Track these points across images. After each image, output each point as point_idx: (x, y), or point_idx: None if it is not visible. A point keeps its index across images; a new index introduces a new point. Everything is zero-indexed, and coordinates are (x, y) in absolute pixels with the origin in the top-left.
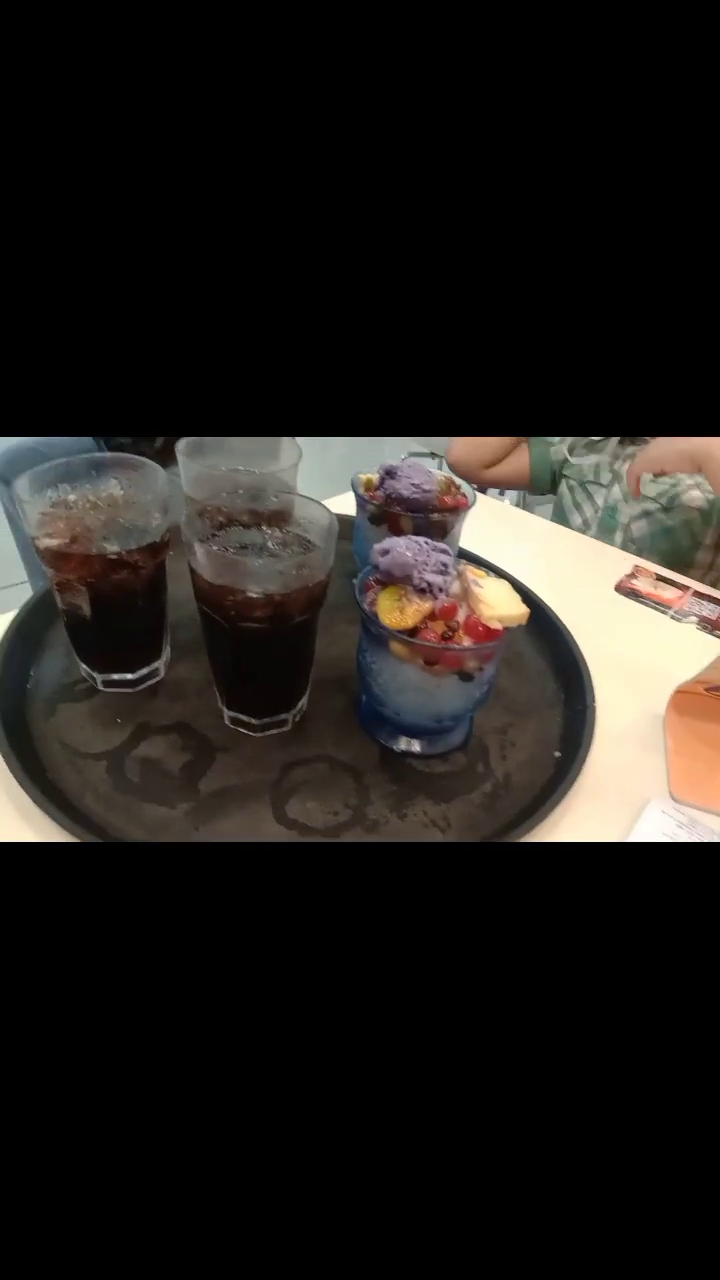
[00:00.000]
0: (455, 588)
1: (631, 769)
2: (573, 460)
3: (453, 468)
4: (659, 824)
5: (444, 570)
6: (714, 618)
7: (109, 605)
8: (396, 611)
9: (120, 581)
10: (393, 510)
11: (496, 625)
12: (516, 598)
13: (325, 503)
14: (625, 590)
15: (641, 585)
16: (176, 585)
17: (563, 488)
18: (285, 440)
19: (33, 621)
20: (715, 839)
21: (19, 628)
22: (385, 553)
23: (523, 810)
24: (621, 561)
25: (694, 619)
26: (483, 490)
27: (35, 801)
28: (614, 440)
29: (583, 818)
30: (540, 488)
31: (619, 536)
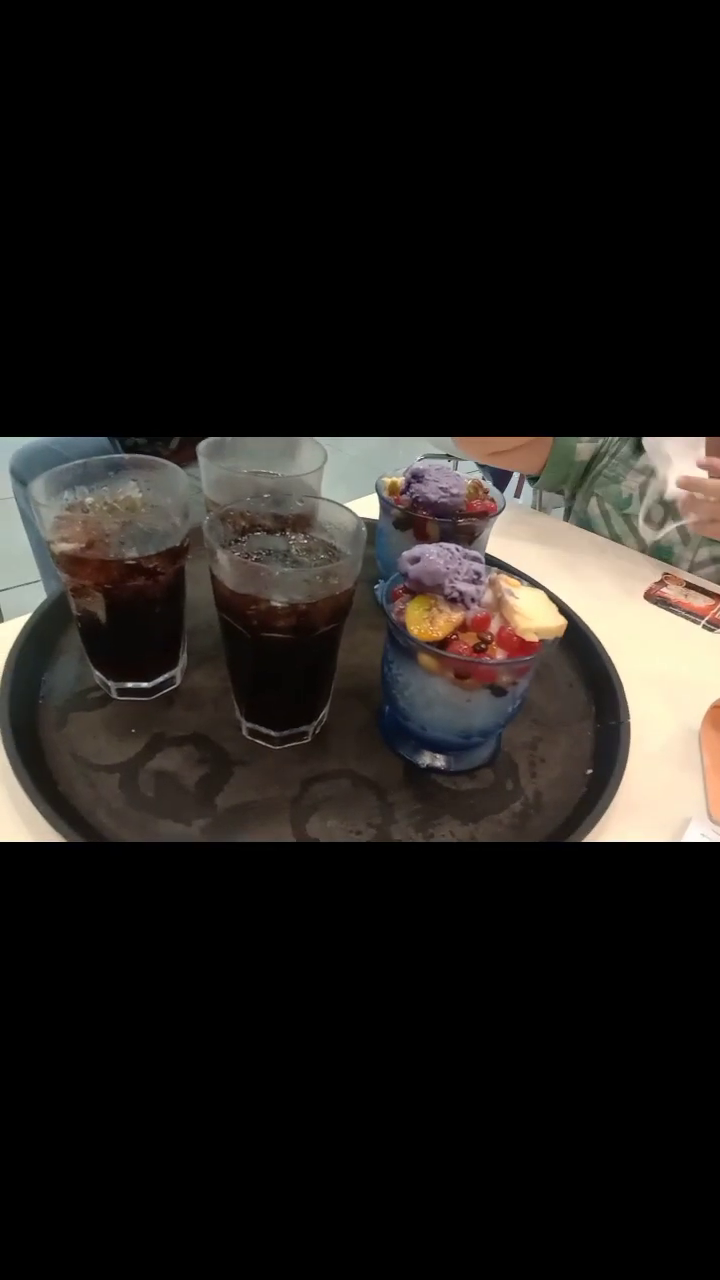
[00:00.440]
0: (488, 598)
1: (668, 788)
2: (606, 479)
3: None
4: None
5: (476, 579)
6: None
7: (125, 611)
8: (426, 622)
9: (138, 588)
10: (419, 515)
11: (532, 638)
12: (553, 609)
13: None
14: (655, 598)
15: (672, 593)
16: (193, 589)
17: (593, 508)
18: (306, 442)
19: (46, 626)
20: None
21: (31, 632)
22: (415, 560)
23: (555, 831)
24: (650, 568)
25: None
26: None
27: (44, 815)
28: (637, 458)
29: (618, 839)
30: (550, 484)
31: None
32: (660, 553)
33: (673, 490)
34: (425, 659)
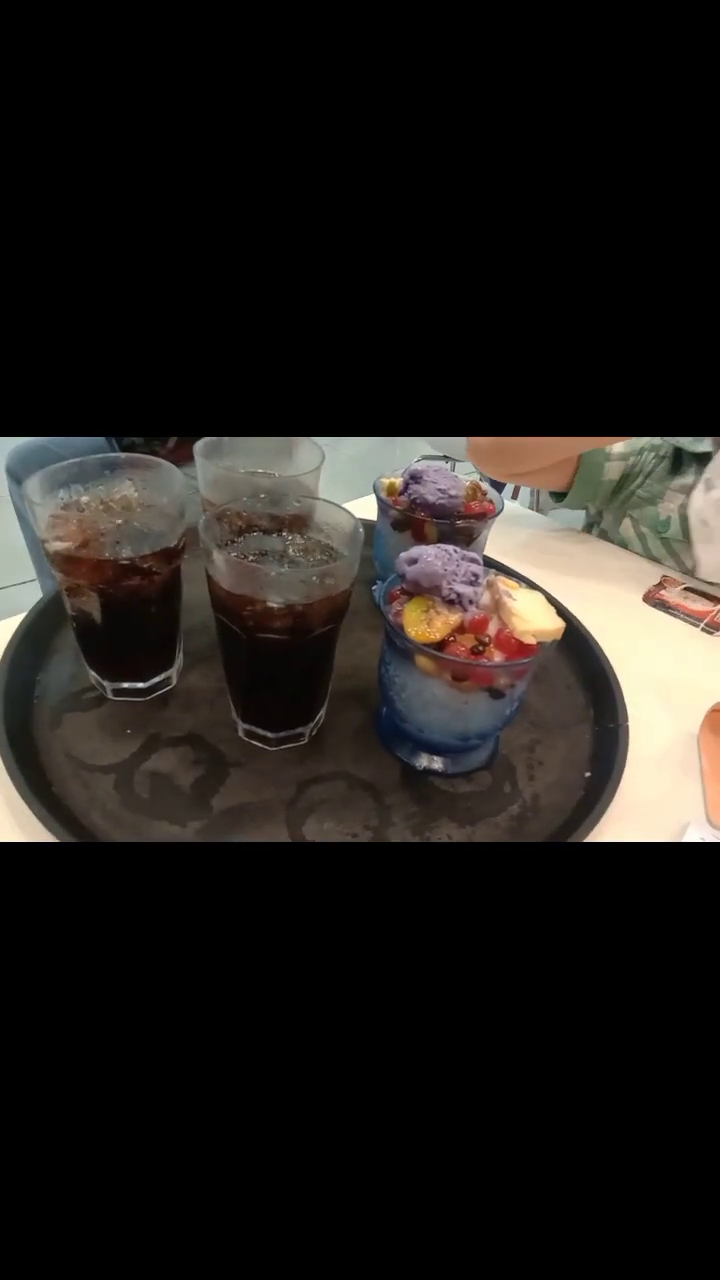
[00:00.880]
0: (486, 599)
1: (666, 791)
2: (640, 500)
3: (471, 462)
4: None
5: (474, 581)
6: None
7: (120, 611)
8: (423, 624)
9: (133, 587)
10: (417, 516)
11: (531, 640)
12: (551, 611)
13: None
14: (654, 601)
15: (671, 596)
16: (189, 589)
17: (627, 529)
18: (304, 441)
19: (40, 626)
20: None
21: (26, 632)
22: (413, 561)
23: (552, 834)
24: (649, 570)
25: None
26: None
27: (38, 816)
28: (673, 477)
29: (612, 833)
30: (577, 503)
31: None
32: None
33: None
34: (422, 661)
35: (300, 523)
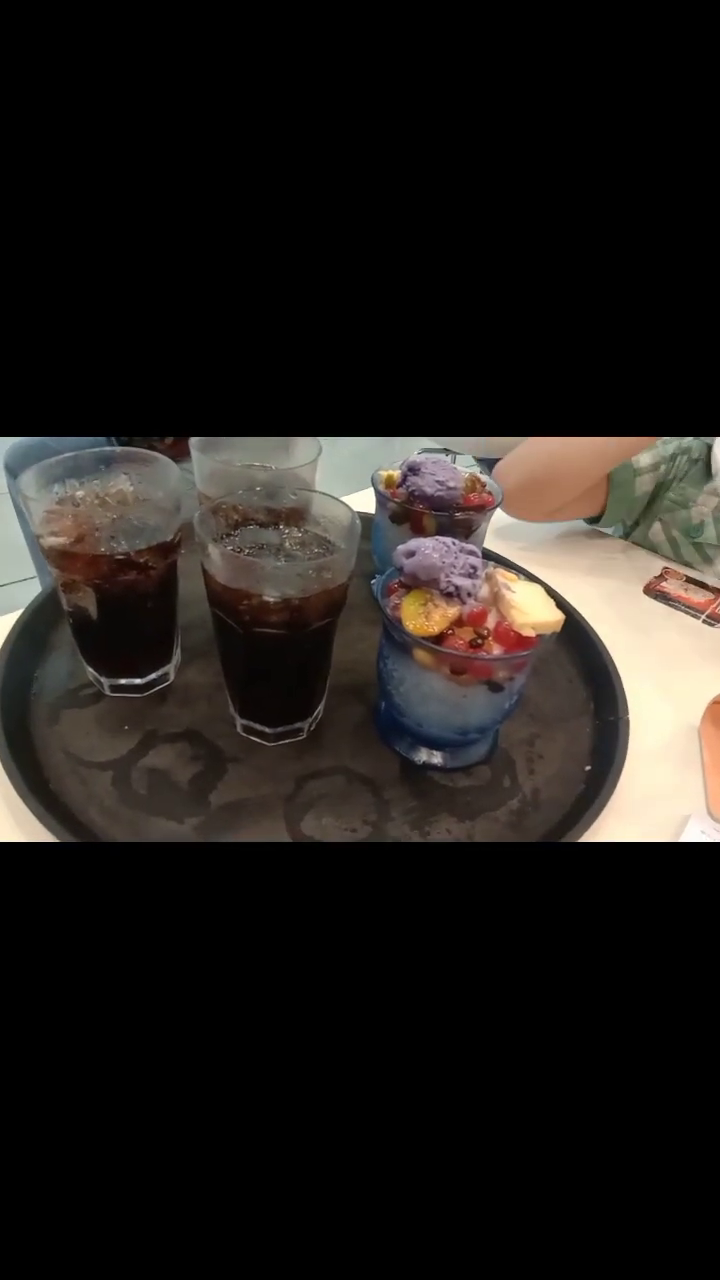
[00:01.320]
0: (484, 592)
1: (667, 784)
2: (673, 504)
3: (508, 511)
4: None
5: (473, 573)
6: None
7: (117, 607)
8: (421, 617)
9: (129, 582)
10: (416, 509)
11: (530, 633)
12: (550, 603)
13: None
14: (655, 593)
15: (671, 588)
16: (187, 584)
17: (657, 533)
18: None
19: (38, 622)
20: None
21: (23, 629)
22: (411, 554)
23: (553, 828)
24: (650, 562)
25: None
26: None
27: (35, 814)
28: (707, 480)
29: (616, 837)
30: (611, 522)
31: None
32: None
33: None
34: (421, 654)
35: (297, 516)
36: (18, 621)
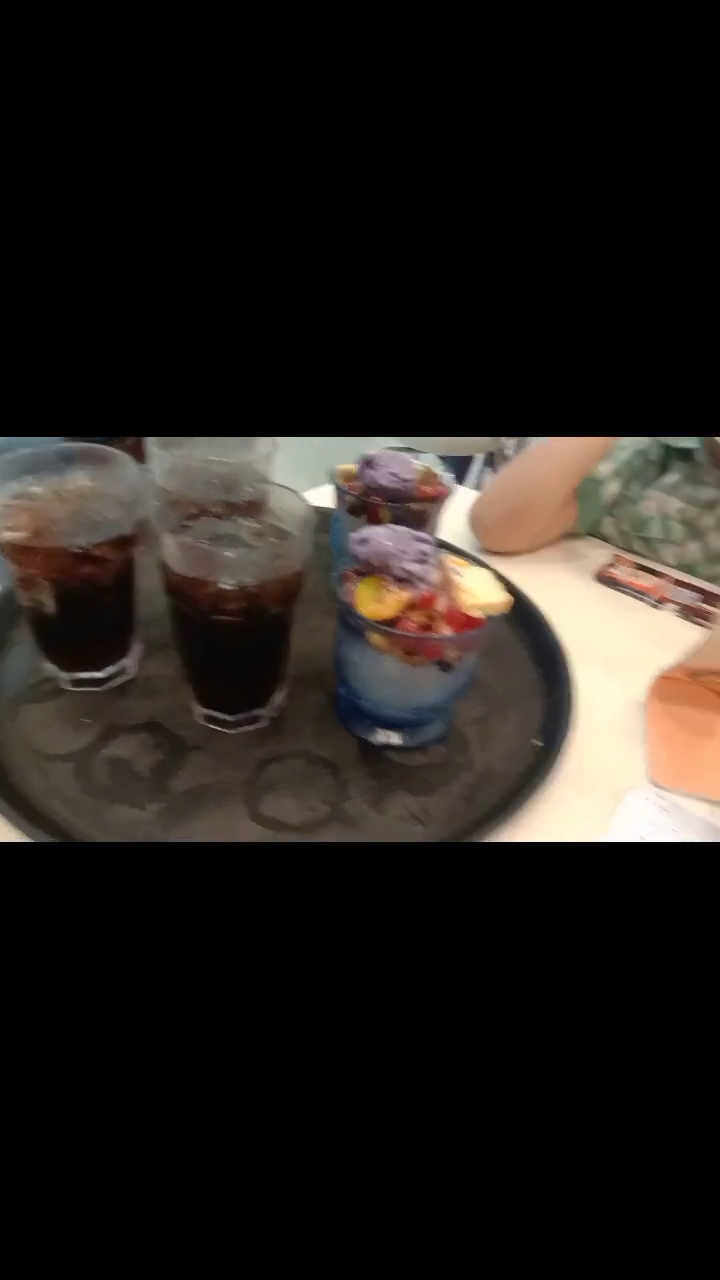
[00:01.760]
0: (435, 577)
1: (613, 757)
2: (625, 500)
3: (482, 543)
4: (641, 811)
5: (424, 559)
6: (693, 605)
7: (75, 601)
8: (375, 602)
9: (86, 576)
10: (372, 500)
11: (478, 614)
12: (498, 586)
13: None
14: (605, 579)
15: (621, 574)
16: (147, 579)
17: (608, 528)
18: None
19: None
20: (697, 824)
21: None
22: (364, 542)
23: (502, 800)
24: (601, 550)
25: (674, 606)
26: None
27: None
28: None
29: (564, 807)
30: (586, 526)
31: None
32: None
33: None
34: (375, 638)
35: (254, 508)
36: None
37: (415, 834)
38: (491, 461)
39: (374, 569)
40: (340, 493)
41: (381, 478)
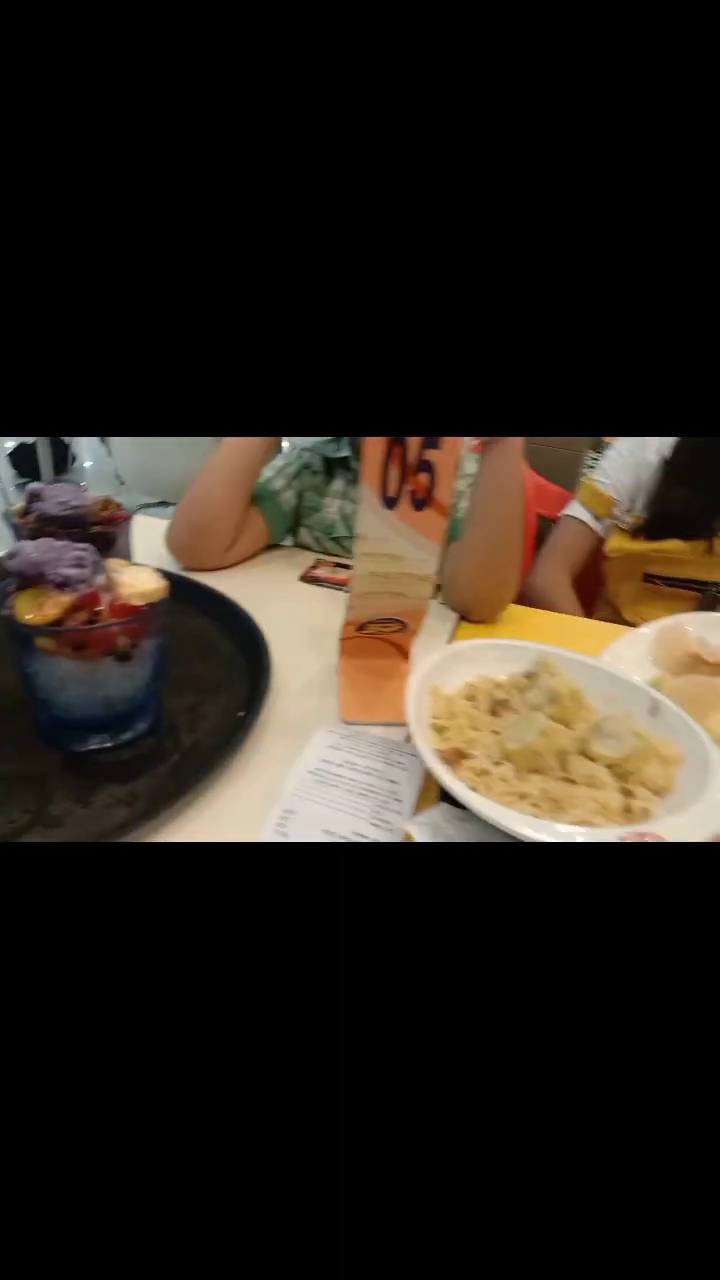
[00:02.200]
0: (100, 580)
1: (311, 711)
2: (309, 509)
3: (181, 563)
4: (325, 740)
5: (81, 564)
6: None
7: None
8: (36, 607)
9: None
10: (47, 530)
11: (138, 601)
12: (157, 575)
13: None
14: (309, 578)
15: (323, 572)
16: None
17: (305, 537)
18: None
19: None
20: (375, 740)
21: None
22: (12, 556)
23: (205, 763)
24: (308, 556)
25: None
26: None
27: None
28: (329, 485)
29: (263, 756)
30: (278, 539)
31: None
32: None
33: None
34: (43, 641)
35: None
36: None
37: (123, 816)
38: None
39: (30, 579)
40: (15, 529)
41: (50, 508)
